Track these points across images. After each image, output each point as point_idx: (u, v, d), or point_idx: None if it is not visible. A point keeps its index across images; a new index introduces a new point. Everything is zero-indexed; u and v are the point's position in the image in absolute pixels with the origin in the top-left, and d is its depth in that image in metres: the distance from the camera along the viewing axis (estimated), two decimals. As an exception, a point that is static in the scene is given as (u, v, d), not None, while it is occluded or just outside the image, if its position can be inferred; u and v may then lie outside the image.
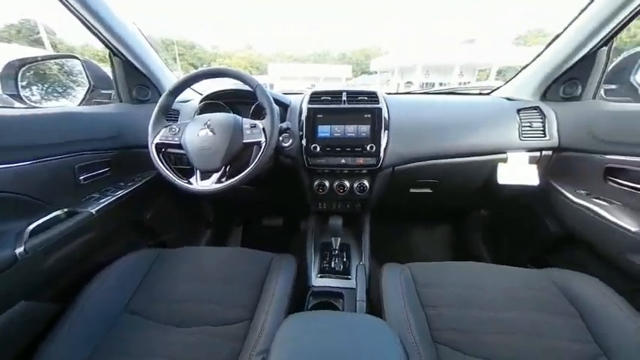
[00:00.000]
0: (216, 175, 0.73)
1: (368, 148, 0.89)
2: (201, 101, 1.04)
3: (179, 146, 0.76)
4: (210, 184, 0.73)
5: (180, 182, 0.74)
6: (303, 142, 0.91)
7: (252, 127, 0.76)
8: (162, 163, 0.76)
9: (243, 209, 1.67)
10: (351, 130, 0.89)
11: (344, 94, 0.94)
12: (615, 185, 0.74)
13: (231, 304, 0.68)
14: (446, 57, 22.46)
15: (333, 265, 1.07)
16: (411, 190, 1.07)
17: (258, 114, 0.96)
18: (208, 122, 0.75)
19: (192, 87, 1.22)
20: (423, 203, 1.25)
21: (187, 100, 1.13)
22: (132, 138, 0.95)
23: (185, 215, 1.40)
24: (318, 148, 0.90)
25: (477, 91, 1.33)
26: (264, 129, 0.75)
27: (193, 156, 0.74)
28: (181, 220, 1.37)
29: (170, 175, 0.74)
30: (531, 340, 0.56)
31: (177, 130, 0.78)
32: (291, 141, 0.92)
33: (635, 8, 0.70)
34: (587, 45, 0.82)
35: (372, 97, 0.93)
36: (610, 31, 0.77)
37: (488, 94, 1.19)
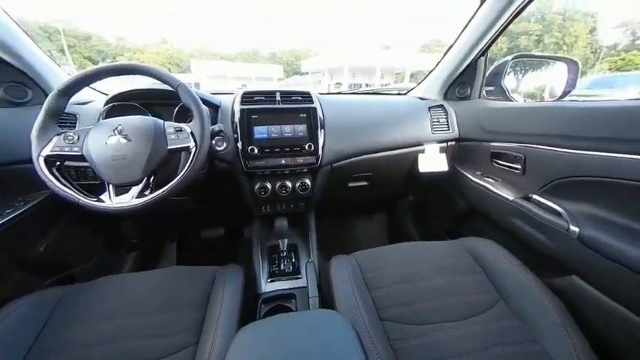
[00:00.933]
0: (136, 189, 0.63)
1: (307, 147, 0.90)
2: (107, 103, 0.87)
3: (81, 158, 0.62)
4: (129, 200, 0.62)
5: (88, 201, 0.60)
6: (239, 144, 0.86)
7: (177, 130, 0.67)
8: (57, 179, 0.61)
9: (176, 223, 1.49)
10: (288, 130, 0.89)
11: (278, 94, 0.93)
12: (497, 166, 0.95)
13: (170, 332, 0.60)
14: (368, 60, 24.63)
15: (282, 267, 1.06)
16: (350, 185, 1.15)
17: (184, 116, 0.87)
18: (119, 127, 0.64)
19: (92, 86, 1.01)
20: (361, 195, 1.35)
21: (87, 102, 0.93)
22: (3, 152, 0.73)
23: (99, 240, 1.16)
24: (256, 150, 0.87)
25: (396, 92, 1.51)
26: (192, 133, 0.67)
27: (103, 168, 0.61)
28: (94, 246, 1.14)
29: (71, 193, 0.60)
30: (455, 299, 0.67)
31: (77, 138, 0.63)
32: (225, 144, 0.86)
33: (499, 29, 0.92)
34: (470, 55, 1.03)
35: (306, 97, 0.95)
36: (484, 45, 0.99)
37: (405, 94, 1.37)
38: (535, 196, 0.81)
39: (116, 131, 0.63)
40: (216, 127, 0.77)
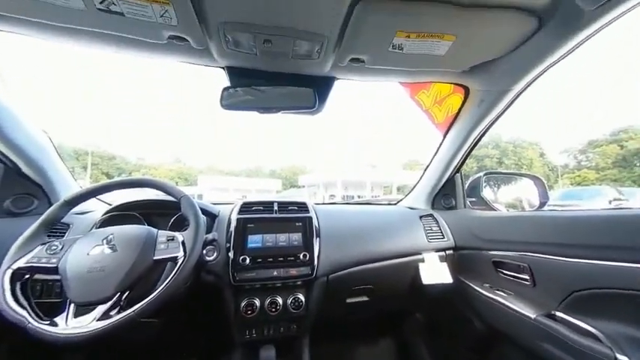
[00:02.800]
0: (101, 308, 0.54)
1: (301, 256, 0.87)
2: (106, 213, 0.89)
3: (54, 270, 0.57)
4: (87, 323, 0.52)
5: (38, 325, 0.51)
6: (231, 254, 0.83)
7: (169, 239, 0.66)
8: (14, 297, 0.53)
9: (136, 355, 1.19)
10: (283, 238, 0.88)
11: (275, 204, 0.98)
12: (503, 276, 0.89)
13: None
14: (359, 175, 27.78)
15: None
16: (348, 301, 1.02)
17: (180, 226, 0.87)
18: (110, 237, 0.62)
19: (99, 197, 1.07)
20: (362, 313, 1.18)
21: (86, 212, 0.96)
22: None
23: None
24: (248, 260, 0.82)
25: (387, 202, 1.61)
26: (183, 242, 0.66)
27: (73, 282, 0.55)
28: None
29: (22, 314, 0.51)
30: None
31: (60, 247, 0.60)
32: (215, 254, 0.82)
33: (464, 154, 1.10)
34: (446, 172, 1.18)
35: (302, 206, 1.00)
36: (456, 165, 1.15)
37: (395, 204, 1.46)
38: (559, 314, 0.71)
39: (105, 241, 0.61)
40: (210, 236, 0.76)
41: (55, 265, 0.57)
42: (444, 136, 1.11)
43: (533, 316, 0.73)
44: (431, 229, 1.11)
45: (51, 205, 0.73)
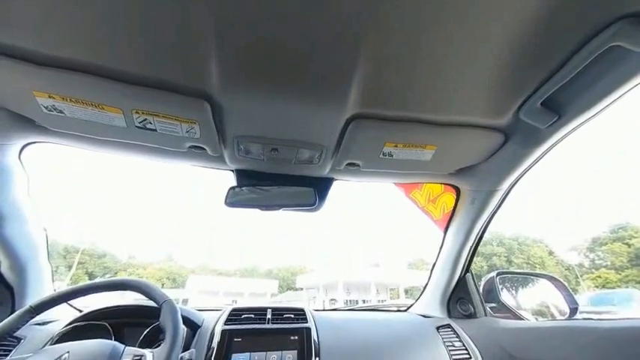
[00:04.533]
0: None
1: None
2: (69, 324, 0.77)
3: None
4: None
5: None
6: (207, 382, 0.66)
7: (136, 358, 0.54)
8: None
9: None
10: (274, 358, 0.73)
11: (269, 311, 0.86)
12: None
13: None
14: (362, 276, 25.64)
15: None
16: None
17: (153, 339, 0.73)
18: (64, 356, 0.51)
19: (71, 302, 0.95)
20: None
21: (47, 322, 0.83)
22: None
23: None
24: (228, 391, 0.64)
25: (396, 308, 1.42)
26: None
27: None
28: None
29: None
30: None
31: None
32: (189, 380, 0.65)
33: (469, 252, 1.05)
34: (455, 273, 1.10)
35: (300, 314, 0.88)
36: (464, 264, 1.08)
37: (405, 310, 1.28)
38: None
39: (57, 361, 0.50)
40: (186, 355, 0.63)
41: None
42: (445, 233, 1.10)
43: None
44: (452, 345, 0.92)
45: (13, 311, 0.63)
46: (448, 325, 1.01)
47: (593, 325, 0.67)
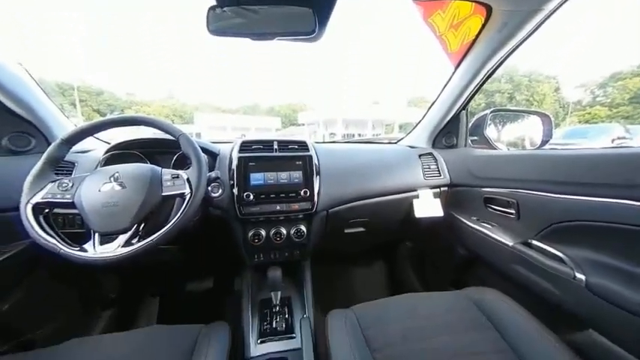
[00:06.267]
0: (123, 237, 0.60)
1: (302, 193, 0.91)
2: (107, 151, 0.90)
3: (71, 205, 0.61)
4: (114, 249, 0.58)
5: (70, 251, 0.57)
6: (235, 190, 0.87)
7: (174, 177, 0.68)
8: (41, 227, 0.58)
9: (161, 275, 1.39)
10: (284, 176, 0.91)
11: (275, 142, 0.97)
12: (491, 210, 0.95)
13: None
14: (360, 113, 26.71)
15: (274, 325, 0.96)
16: (346, 231, 1.12)
17: (182, 164, 0.89)
18: (116, 174, 0.64)
19: (96, 136, 1.05)
20: (358, 242, 1.31)
21: (87, 151, 0.96)
22: None
23: (72, 296, 1.06)
24: (252, 196, 0.87)
25: (387, 141, 1.60)
26: (188, 179, 0.68)
27: (92, 215, 0.59)
28: (65, 303, 1.03)
29: (53, 242, 0.57)
30: None
31: (71, 185, 0.63)
32: (220, 191, 0.86)
33: (474, 88, 1.03)
34: (452, 109, 1.13)
35: (302, 145, 1.00)
36: (464, 101, 1.09)
37: (395, 143, 1.45)
38: (535, 242, 0.79)
39: (112, 178, 0.63)
40: (213, 174, 0.78)
41: (70, 201, 0.61)
42: (456, 68, 1.02)
43: (511, 243, 0.82)
44: (429, 168, 1.13)
45: (49, 143, 0.72)
46: (430, 154, 1.18)
47: (550, 154, 0.78)
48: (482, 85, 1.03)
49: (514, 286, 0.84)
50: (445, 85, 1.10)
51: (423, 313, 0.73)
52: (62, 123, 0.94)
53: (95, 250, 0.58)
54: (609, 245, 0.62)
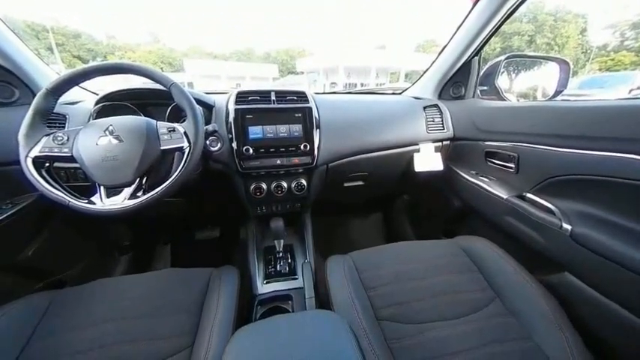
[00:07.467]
0: (128, 190, 0.62)
1: (302, 147, 0.90)
2: (97, 102, 0.85)
3: (71, 159, 0.61)
4: (121, 201, 0.61)
5: (79, 203, 0.59)
6: (234, 144, 0.86)
7: (170, 131, 0.66)
8: (46, 181, 0.59)
9: (170, 225, 1.47)
10: (283, 130, 0.89)
11: (272, 93, 0.92)
12: (491, 165, 0.95)
13: (165, 335, 0.59)
14: (363, 60, 24.68)
15: (278, 269, 1.05)
16: (345, 184, 1.14)
17: (177, 117, 0.86)
18: (110, 128, 0.62)
19: (82, 85, 0.99)
20: (357, 195, 1.35)
21: (76, 102, 0.91)
22: None
23: (90, 242, 1.14)
24: (251, 150, 0.86)
25: (391, 92, 1.51)
26: (185, 133, 0.66)
27: (93, 169, 0.60)
28: (85, 249, 1.11)
29: (61, 195, 0.59)
30: (450, 298, 0.67)
31: (66, 138, 0.61)
32: (219, 144, 0.85)
33: (492, 29, 0.93)
34: (464, 55, 1.04)
35: (302, 96, 0.95)
36: (478, 45, 0.99)
37: (400, 93, 1.37)
38: (529, 195, 0.81)
39: (107, 132, 0.62)
40: (210, 127, 0.76)
41: (69, 154, 0.60)
42: (474, 5, 0.90)
43: (505, 196, 0.84)
44: (433, 121, 1.09)
45: (34, 94, 0.68)
46: (435, 105, 1.12)
47: (556, 105, 0.74)
48: (500, 26, 0.92)
49: (503, 236, 0.89)
50: (459, 27, 0.99)
51: (415, 258, 0.79)
52: (43, 71, 0.87)
53: (103, 202, 0.61)
54: (599, 199, 0.64)
